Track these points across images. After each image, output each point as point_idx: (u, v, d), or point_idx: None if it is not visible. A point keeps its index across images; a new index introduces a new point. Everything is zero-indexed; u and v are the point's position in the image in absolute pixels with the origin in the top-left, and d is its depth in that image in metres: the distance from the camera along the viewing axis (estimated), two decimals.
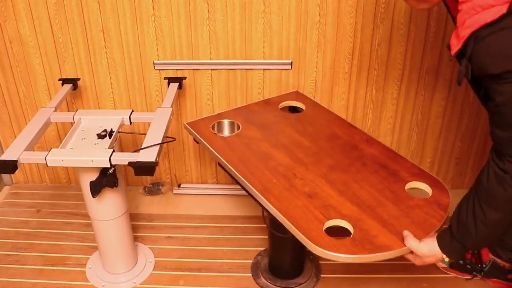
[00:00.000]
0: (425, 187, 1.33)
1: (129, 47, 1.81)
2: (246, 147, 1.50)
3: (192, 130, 1.57)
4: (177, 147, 2.04)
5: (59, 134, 2.02)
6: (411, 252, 1.17)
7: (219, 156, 1.45)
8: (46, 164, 1.34)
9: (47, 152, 1.35)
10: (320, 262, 1.72)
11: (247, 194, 2.06)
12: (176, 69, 1.85)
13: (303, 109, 1.72)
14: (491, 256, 1.59)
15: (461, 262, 1.64)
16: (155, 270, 1.70)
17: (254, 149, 1.49)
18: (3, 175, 2.15)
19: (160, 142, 1.39)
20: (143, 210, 2.01)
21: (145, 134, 1.44)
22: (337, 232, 1.19)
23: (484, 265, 1.61)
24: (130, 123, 1.56)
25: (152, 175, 1.31)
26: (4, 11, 1.76)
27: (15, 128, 2.03)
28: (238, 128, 1.60)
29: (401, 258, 1.72)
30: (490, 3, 0.92)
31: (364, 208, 1.24)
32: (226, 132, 1.62)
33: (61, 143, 1.42)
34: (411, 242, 1.15)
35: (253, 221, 1.93)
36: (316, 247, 1.13)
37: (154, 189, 2.11)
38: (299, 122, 1.64)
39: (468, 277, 1.65)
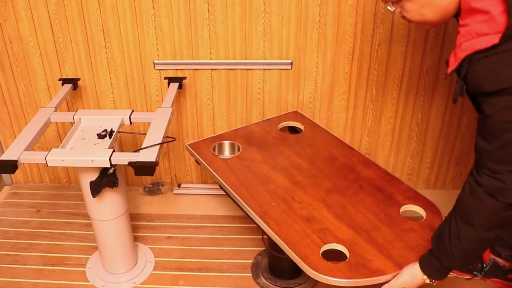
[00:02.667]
0: (419, 210, 1.38)
1: (129, 47, 1.81)
2: (247, 169, 1.53)
3: (194, 152, 1.60)
4: (177, 147, 2.04)
5: (59, 134, 2.02)
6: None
7: (220, 179, 1.48)
8: (46, 164, 1.34)
9: (47, 152, 1.35)
10: None
11: None
12: (176, 69, 1.85)
13: (302, 130, 1.76)
14: (492, 255, 1.59)
15: None
16: (155, 270, 1.70)
17: (254, 171, 1.52)
18: (3, 175, 2.15)
19: (160, 142, 1.39)
20: (143, 210, 2.01)
21: (145, 134, 1.44)
22: (333, 254, 1.24)
23: (484, 265, 1.61)
24: (130, 123, 1.56)
25: (152, 175, 1.31)
26: (4, 11, 1.76)
27: (15, 128, 2.03)
28: (239, 149, 1.62)
29: None
30: (484, 32, 0.99)
31: (360, 232, 1.29)
32: (227, 153, 1.65)
33: (61, 143, 1.42)
34: (392, 284, 1.19)
35: (253, 221, 1.92)
36: (313, 271, 1.17)
37: (154, 189, 2.11)
38: (298, 143, 1.68)
39: (468, 276, 1.64)
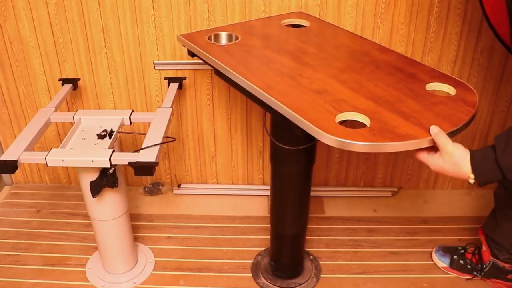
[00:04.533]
0: (448, 88, 1.19)
1: (129, 47, 1.81)
2: (247, 53, 1.39)
3: (187, 41, 1.47)
4: (177, 147, 2.04)
5: (59, 134, 2.03)
6: (429, 151, 1.05)
7: (216, 61, 1.34)
8: (46, 164, 1.34)
9: (47, 152, 1.35)
10: (320, 262, 1.72)
11: (247, 194, 2.09)
12: (176, 69, 1.85)
13: (307, 26, 1.61)
14: (491, 257, 1.59)
15: (461, 262, 1.65)
16: (155, 270, 1.70)
17: (255, 54, 1.39)
18: (3, 175, 2.15)
19: (160, 142, 1.39)
20: (143, 210, 2.01)
21: (145, 134, 1.44)
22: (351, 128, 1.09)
23: (484, 266, 1.61)
24: (130, 123, 1.56)
25: (152, 175, 1.31)
26: (4, 11, 1.76)
27: (15, 128, 2.03)
28: (237, 39, 1.51)
29: (401, 258, 1.73)
30: None
31: (381, 103, 1.12)
32: (224, 42, 1.51)
33: (61, 143, 1.42)
34: (443, 137, 1.01)
35: (253, 221, 1.93)
36: (329, 135, 1.01)
37: (154, 189, 2.11)
38: (304, 34, 1.53)
39: (468, 277, 1.65)
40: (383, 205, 2.01)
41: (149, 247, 1.80)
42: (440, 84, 1.19)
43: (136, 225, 1.90)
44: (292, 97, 1.15)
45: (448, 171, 1.04)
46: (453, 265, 1.66)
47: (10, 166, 1.32)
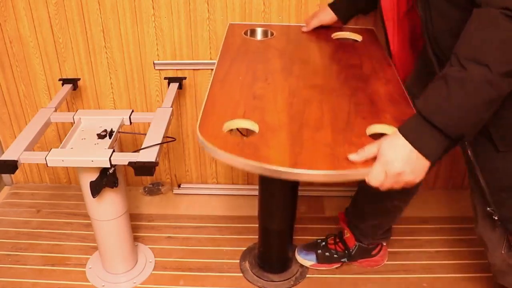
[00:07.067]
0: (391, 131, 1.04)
1: (129, 47, 1.81)
2: (255, 49, 1.40)
3: (226, 31, 1.56)
4: (177, 147, 2.04)
5: (59, 134, 2.03)
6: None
7: (220, 50, 1.40)
8: (46, 164, 1.34)
9: (47, 152, 1.35)
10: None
11: (247, 194, 2.08)
12: (176, 69, 1.85)
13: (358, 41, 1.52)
14: (356, 242, 1.64)
15: (327, 254, 1.67)
16: (155, 270, 1.70)
17: (259, 53, 1.38)
18: (3, 175, 2.15)
19: (160, 142, 1.39)
20: (143, 210, 2.01)
21: (145, 134, 1.44)
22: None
23: (351, 250, 1.65)
24: (130, 123, 1.56)
25: (152, 175, 1.31)
26: (4, 11, 1.76)
27: (15, 128, 2.03)
28: (272, 34, 1.52)
29: (401, 258, 1.73)
30: None
31: (294, 124, 1.03)
32: (259, 37, 1.57)
33: (61, 143, 1.42)
34: (368, 148, 0.92)
35: (253, 221, 1.92)
36: (199, 134, 1.00)
37: (154, 189, 2.11)
38: (338, 47, 1.45)
39: (338, 265, 1.68)
40: None
41: (149, 247, 1.80)
42: (392, 128, 1.03)
43: (136, 225, 1.90)
44: (224, 91, 1.17)
45: (399, 172, 0.90)
46: (320, 260, 1.67)
47: (10, 166, 1.32)
